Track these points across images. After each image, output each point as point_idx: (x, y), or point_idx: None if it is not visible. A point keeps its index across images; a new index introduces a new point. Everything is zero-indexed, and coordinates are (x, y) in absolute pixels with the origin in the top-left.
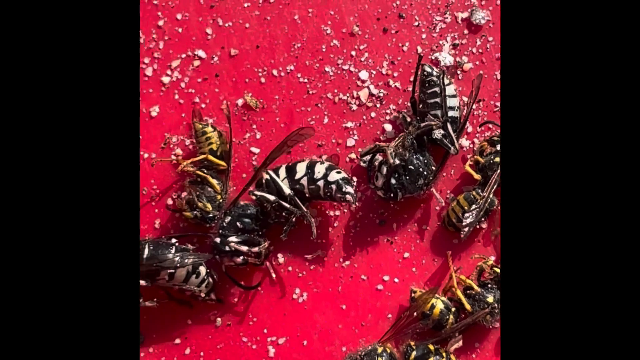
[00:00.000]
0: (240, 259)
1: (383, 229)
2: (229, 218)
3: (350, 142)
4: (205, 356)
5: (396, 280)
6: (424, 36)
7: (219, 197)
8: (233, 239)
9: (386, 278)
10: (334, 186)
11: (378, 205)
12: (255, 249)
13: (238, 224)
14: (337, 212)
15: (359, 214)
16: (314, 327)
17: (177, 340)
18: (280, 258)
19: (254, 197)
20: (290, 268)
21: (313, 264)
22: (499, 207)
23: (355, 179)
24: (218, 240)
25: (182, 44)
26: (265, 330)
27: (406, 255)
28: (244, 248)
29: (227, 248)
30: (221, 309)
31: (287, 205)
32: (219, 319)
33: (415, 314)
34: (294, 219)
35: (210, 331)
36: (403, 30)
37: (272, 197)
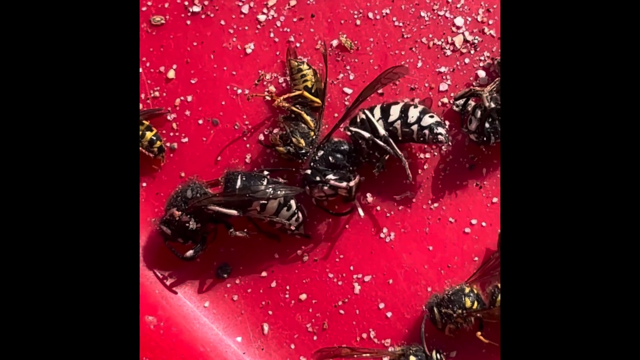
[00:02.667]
0: (331, 191)
1: (472, 173)
2: (322, 152)
3: (443, 86)
4: (290, 290)
5: (484, 224)
6: None
7: (312, 133)
8: (328, 176)
9: (474, 222)
10: (427, 131)
11: (468, 150)
12: (345, 184)
13: (330, 158)
14: (427, 155)
15: (449, 158)
16: (399, 267)
17: (264, 274)
18: (369, 197)
19: (349, 133)
20: (378, 208)
21: (401, 205)
22: None
23: (447, 122)
24: (309, 171)
25: None
26: (351, 268)
27: (495, 200)
28: (334, 179)
29: (317, 178)
30: (308, 245)
31: (381, 144)
32: (306, 255)
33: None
34: (386, 158)
35: (297, 266)
36: None
37: (367, 134)
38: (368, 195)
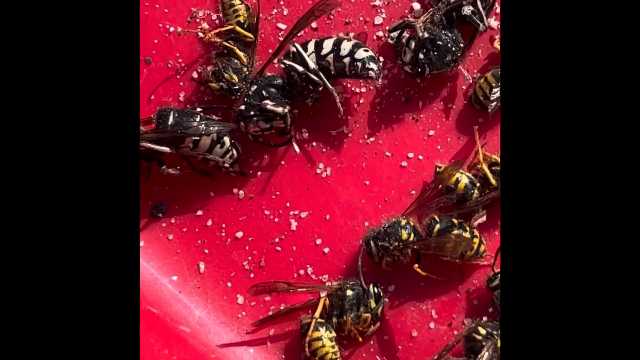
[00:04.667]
0: (266, 124)
1: (409, 106)
2: (255, 87)
3: (378, 20)
4: (227, 228)
5: (420, 157)
6: None
7: (245, 69)
8: (265, 101)
9: (410, 155)
10: (359, 64)
11: (404, 83)
12: (281, 109)
13: (264, 93)
14: (363, 90)
15: (385, 92)
16: (336, 202)
17: (199, 212)
18: (305, 133)
19: (282, 66)
20: (314, 143)
21: (337, 140)
22: None
23: (382, 58)
24: (243, 107)
25: None
26: (287, 204)
27: (431, 133)
28: (271, 104)
29: (252, 113)
30: (244, 182)
31: (314, 78)
32: (241, 192)
33: (439, 187)
34: (319, 90)
35: (233, 203)
36: None
37: (300, 68)
38: (303, 131)
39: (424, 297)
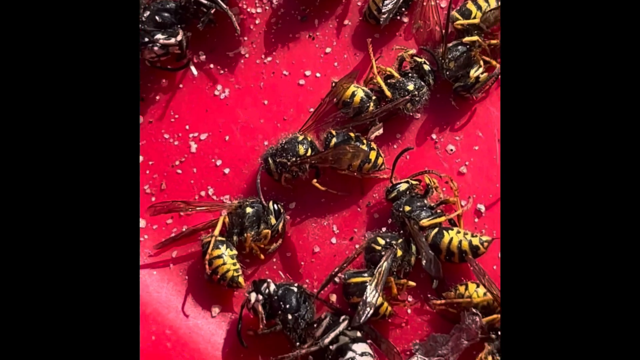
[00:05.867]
0: (161, 50)
1: (305, 25)
2: (148, 13)
3: None
4: None
5: (318, 75)
6: None
7: None
8: (157, 36)
9: (308, 73)
10: None
11: (300, 2)
12: (173, 40)
13: (157, 18)
14: (259, 10)
15: (281, 11)
16: (235, 123)
17: None
18: (202, 56)
19: None
20: (212, 65)
21: (234, 61)
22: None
23: None
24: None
25: None
26: (187, 127)
27: (328, 50)
28: (163, 38)
29: (146, 40)
30: (143, 107)
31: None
32: (140, 117)
33: (335, 101)
34: (212, 11)
35: None
36: None
37: None
38: (200, 53)
39: (325, 213)
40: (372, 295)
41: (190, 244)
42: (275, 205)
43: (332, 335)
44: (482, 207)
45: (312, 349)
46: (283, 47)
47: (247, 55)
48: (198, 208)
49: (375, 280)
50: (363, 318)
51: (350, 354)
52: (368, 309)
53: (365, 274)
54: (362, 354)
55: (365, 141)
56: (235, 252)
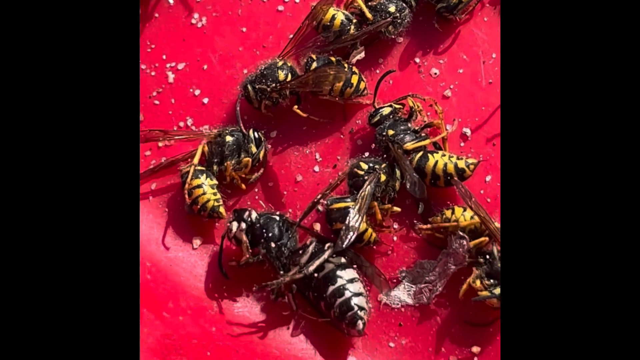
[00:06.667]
0: None
1: None
2: None
3: None
4: None
5: (297, 0)
6: None
7: None
8: None
9: None
10: None
11: None
12: None
13: None
14: None
15: None
16: (213, 51)
17: None
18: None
19: None
20: None
21: None
22: None
23: None
24: None
25: None
26: (164, 57)
27: None
28: None
29: None
30: None
31: None
32: None
33: (314, 24)
34: None
35: None
36: None
37: None
38: None
39: (307, 141)
40: (354, 219)
41: (169, 175)
42: (255, 134)
43: (317, 262)
44: (467, 131)
45: (297, 276)
46: None
47: None
48: (176, 137)
49: (358, 204)
50: (346, 242)
51: (339, 282)
52: (351, 233)
53: (348, 199)
54: (351, 280)
55: (346, 65)
56: (215, 182)
